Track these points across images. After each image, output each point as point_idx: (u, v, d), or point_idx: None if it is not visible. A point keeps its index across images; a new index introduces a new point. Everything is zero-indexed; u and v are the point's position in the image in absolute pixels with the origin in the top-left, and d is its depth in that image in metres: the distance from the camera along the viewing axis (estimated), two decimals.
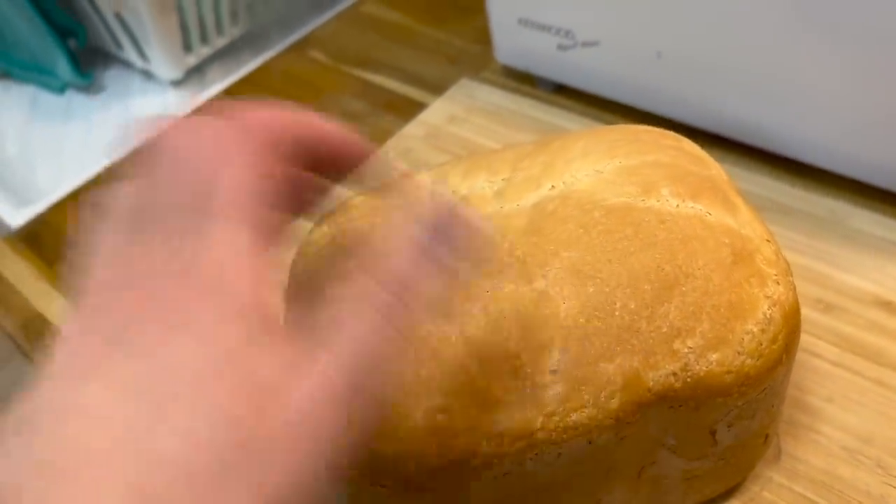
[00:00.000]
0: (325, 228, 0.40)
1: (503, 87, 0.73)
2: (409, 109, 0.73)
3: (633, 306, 0.33)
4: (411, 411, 0.32)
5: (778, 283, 0.35)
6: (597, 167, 0.39)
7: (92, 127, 0.80)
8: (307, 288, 0.38)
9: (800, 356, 0.46)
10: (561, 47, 0.64)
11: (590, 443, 0.33)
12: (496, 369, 0.32)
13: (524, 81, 0.73)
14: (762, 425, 0.38)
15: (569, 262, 0.34)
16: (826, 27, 0.49)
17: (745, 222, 0.37)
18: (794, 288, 0.36)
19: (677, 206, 0.36)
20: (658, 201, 0.36)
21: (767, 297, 0.34)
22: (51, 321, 0.60)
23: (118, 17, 0.77)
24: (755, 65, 0.54)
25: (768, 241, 0.37)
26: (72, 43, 0.83)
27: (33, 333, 0.60)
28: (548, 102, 0.70)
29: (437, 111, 0.71)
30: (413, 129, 0.70)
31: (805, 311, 0.48)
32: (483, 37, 0.73)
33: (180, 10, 0.77)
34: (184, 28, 0.79)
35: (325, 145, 0.28)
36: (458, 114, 0.70)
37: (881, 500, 0.41)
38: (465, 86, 0.74)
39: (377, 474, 0.33)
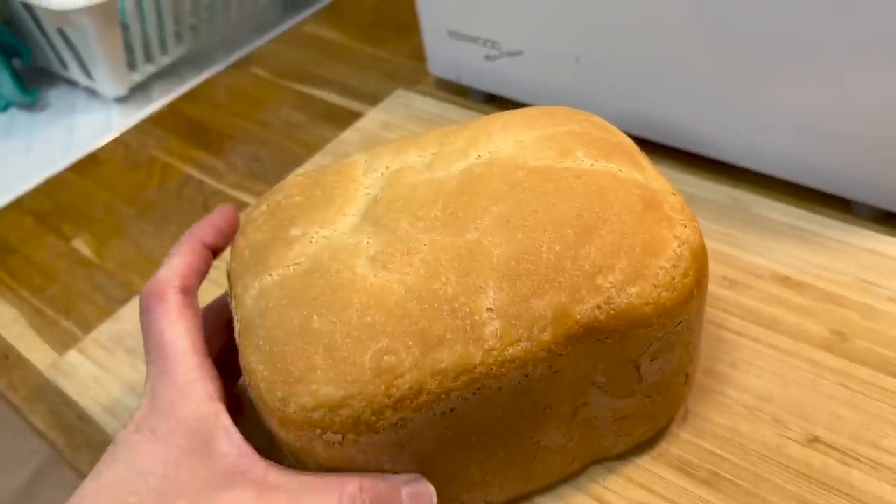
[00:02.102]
0: (263, 207, 0.42)
1: (437, 97, 0.77)
2: (347, 119, 0.76)
3: (558, 249, 0.36)
4: (359, 356, 0.34)
5: (685, 226, 0.38)
6: (517, 137, 0.42)
7: (34, 142, 0.81)
8: (250, 261, 0.39)
9: (707, 328, 0.50)
10: (488, 58, 0.69)
11: (526, 376, 0.36)
12: (436, 311, 0.35)
13: (457, 93, 0.77)
14: (682, 362, 0.41)
15: (498, 214, 0.37)
16: (728, 32, 0.53)
17: (653, 179, 0.41)
18: (700, 233, 0.39)
19: (591, 164, 0.40)
20: (574, 162, 0.40)
21: (676, 237, 0.37)
22: None
23: (62, 34, 0.79)
24: (663, 68, 0.59)
25: (674, 194, 0.40)
26: (16, 62, 0.85)
27: None
28: (479, 111, 0.73)
29: (373, 119, 0.74)
30: (349, 136, 0.73)
31: (712, 288, 0.53)
32: (419, 54, 0.77)
33: (124, 29, 0.80)
34: (128, 47, 0.82)
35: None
36: (392, 121, 0.73)
37: (777, 450, 0.44)
38: (401, 96, 0.77)
39: (328, 421, 0.34)
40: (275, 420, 0.35)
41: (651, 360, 0.39)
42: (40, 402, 0.55)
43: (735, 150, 0.60)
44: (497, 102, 0.73)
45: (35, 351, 0.59)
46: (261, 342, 0.36)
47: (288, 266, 0.38)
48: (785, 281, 0.53)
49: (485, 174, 0.39)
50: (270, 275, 0.38)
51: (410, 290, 0.35)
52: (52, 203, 0.73)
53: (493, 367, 0.35)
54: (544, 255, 0.36)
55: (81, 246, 0.68)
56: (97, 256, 0.67)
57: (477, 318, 0.35)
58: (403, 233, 0.37)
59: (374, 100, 0.78)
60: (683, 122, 0.61)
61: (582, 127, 0.43)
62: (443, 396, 0.35)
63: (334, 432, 0.34)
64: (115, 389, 0.54)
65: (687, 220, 0.39)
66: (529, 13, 0.63)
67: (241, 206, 0.68)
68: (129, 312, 0.60)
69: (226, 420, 0.35)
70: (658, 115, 0.62)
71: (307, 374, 0.34)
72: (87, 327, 0.60)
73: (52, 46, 0.83)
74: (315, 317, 0.35)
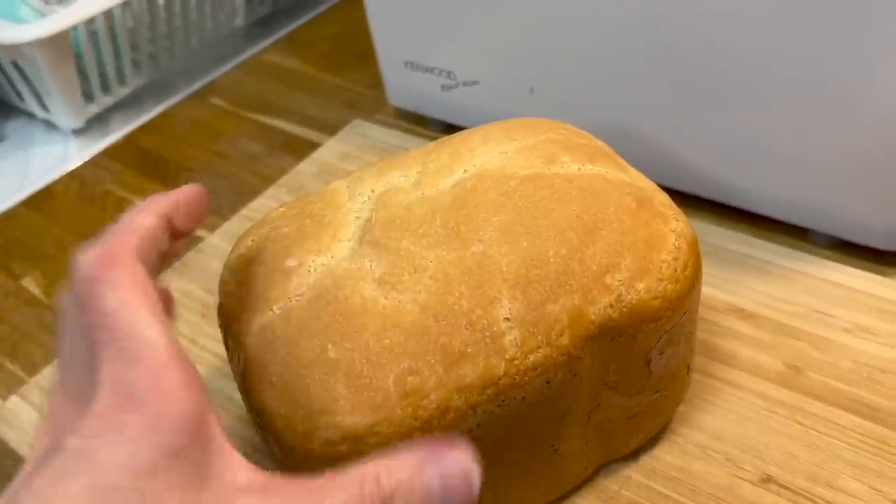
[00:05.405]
0: (249, 242, 0.41)
1: (396, 127, 0.76)
2: (306, 149, 0.75)
3: (564, 252, 0.36)
4: (382, 380, 0.33)
5: (677, 220, 0.39)
6: (500, 149, 0.42)
7: None
8: (246, 297, 0.38)
9: None
10: (445, 87, 0.69)
11: (548, 382, 0.36)
12: (454, 325, 0.34)
13: (416, 122, 0.77)
14: (685, 353, 0.42)
15: (499, 224, 0.37)
16: (680, 63, 0.54)
17: (637, 178, 0.42)
18: (690, 224, 0.40)
19: (579, 168, 0.40)
20: (562, 168, 0.40)
21: (673, 231, 0.39)
22: None
23: (17, 68, 0.77)
24: (615, 98, 0.59)
25: (659, 191, 0.42)
26: None
27: None
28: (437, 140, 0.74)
29: (330, 150, 0.74)
30: (306, 167, 0.72)
31: None
32: (379, 82, 0.76)
33: (79, 61, 0.78)
34: (84, 78, 0.80)
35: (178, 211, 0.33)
36: (350, 152, 0.73)
37: (729, 491, 0.43)
38: (358, 126, 0.76)
39: (356, 452, 0.33)
40: (296, 458, 0.34)
41: (660, 354, 0.40)
42: None
43: (690, 179, 0.61)
44: (455, 131, 0.72)
45: None
46: (273, 378, 0.35)
47: (290, 298, 0.37)
48: (740, 313, 0.53)
49: (478, 187, 0.40)
50: (272, 309, 0.37)
51: (425, 307, 0.35)
52: (3, 240, 0.72)
53: (517, 377, 0.35)
54: (552, 260, 0.36)
55: (30, 284, 0.66)
56: (46, 296, 0.65)
57: (495, 328, 0.35)
58: (406, 252, 0.37)
59: (333, 129, 0.78)
60: (636, 152, 0.60)
61: (560, 134, 0.44)
62: (469, 413, 0.34)
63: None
64: None
65: (678, 215, 0.40)
66: (483, 44, 0.64)
67: (195, 241, 0.66)
68: None
69: (212, 415, 0.28)
70: (610, 145, 0.63)
71: (329, 405, 0.33)
72: (33, 370, 0.58)
73: (7, 78, 0.82)
74: (330, 345, 0.34)
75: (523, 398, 0.36)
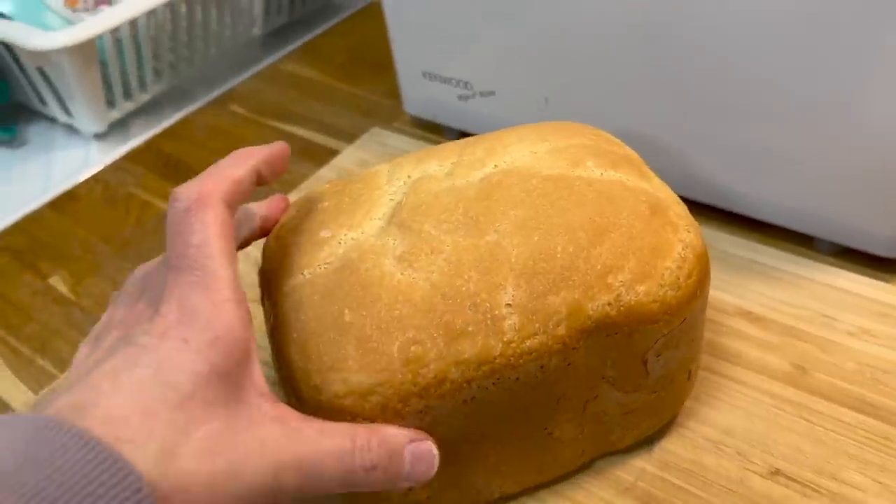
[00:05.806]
0: (294, 212, 0.45)
1: (412, 135, 0.79)
2: (324, 156, 0.77)
3: (571, 250, 0.39)
4: (387, 346, 0.37)
5: (689, 231, 0.41)
6: (532, 149, 0.45)
7: (12, 179, 0.81)
8: (284, 261, 0.42)
9: None
10: (461, 97, 0.71)
11: (542, 367, 0.38)
12: (459, 305, 0.37)
13: (432, 131, 0.79)
14: (685, 358, 0.44)
15: (516, 218, 0.40)
16: (691, 75, 0.56)
17: (658, 188, 0.44)
18: (702, 237, 0.42)
19: (601, 174, 0.43)
20: (585, 171, 0.43)
21: (681, 241, 0.40)
22: None
23: (41, 73, 0.80)
24: (627, 109, 0.61)
25: (678, 202, 0.43)
26: None
27: None
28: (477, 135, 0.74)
29: (349, 156, 0.76)
30: (326, 173, 0.74)
31: None
32: (395, 92, 0.79)
33: (103, 67, 0.81)
34: (107, 84, 0.82)
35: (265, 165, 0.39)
36: (368, 159, 0.75)
37: (740, 483, 0.45)
38: (376, 134, 0.79)
39: (358, 407, 0.36)
40: (309, 408, 0.37)
41: (657, 356, 0.41)
42: None
43: (700, 188, 0.62)
44: None
45: (11, 390, 0.59)
46: (295, 335, 0.38)
47: (319, 265, 0.40)
48: (748, 315, 0.55)
49: (503, 182, 0.42)
50: (303, 273, 0.40)
51: (435, 286, 0.38)
52: (30, 240, 0.74)
53: (512, 359, 0.37)
54: (559, 256, 0.39)
55: (58, 283, 0.68)
56: (74, 294, 0.67)
57: (497, 312, 0.37)
58: (427, 235, 0.40)
59: (351, 137, 0.80)
60: (648, 162, 0.62)
61: (591, 140, 0.46)
62: (464, 385, 0.37)
63: (364, 418, 0.37)
64: None
65: (690, 226, 0.42)
66: (499, 56, 0.66)
67: None
68: None
69: (255, 352, 0.34)
70: None
71: (339, 363, 0.37)
72: (63, 365, 0.60)
73: (31, 83, 0.84)
74: (346, 311, 0.38)
75: (517, 379, 0.38)
